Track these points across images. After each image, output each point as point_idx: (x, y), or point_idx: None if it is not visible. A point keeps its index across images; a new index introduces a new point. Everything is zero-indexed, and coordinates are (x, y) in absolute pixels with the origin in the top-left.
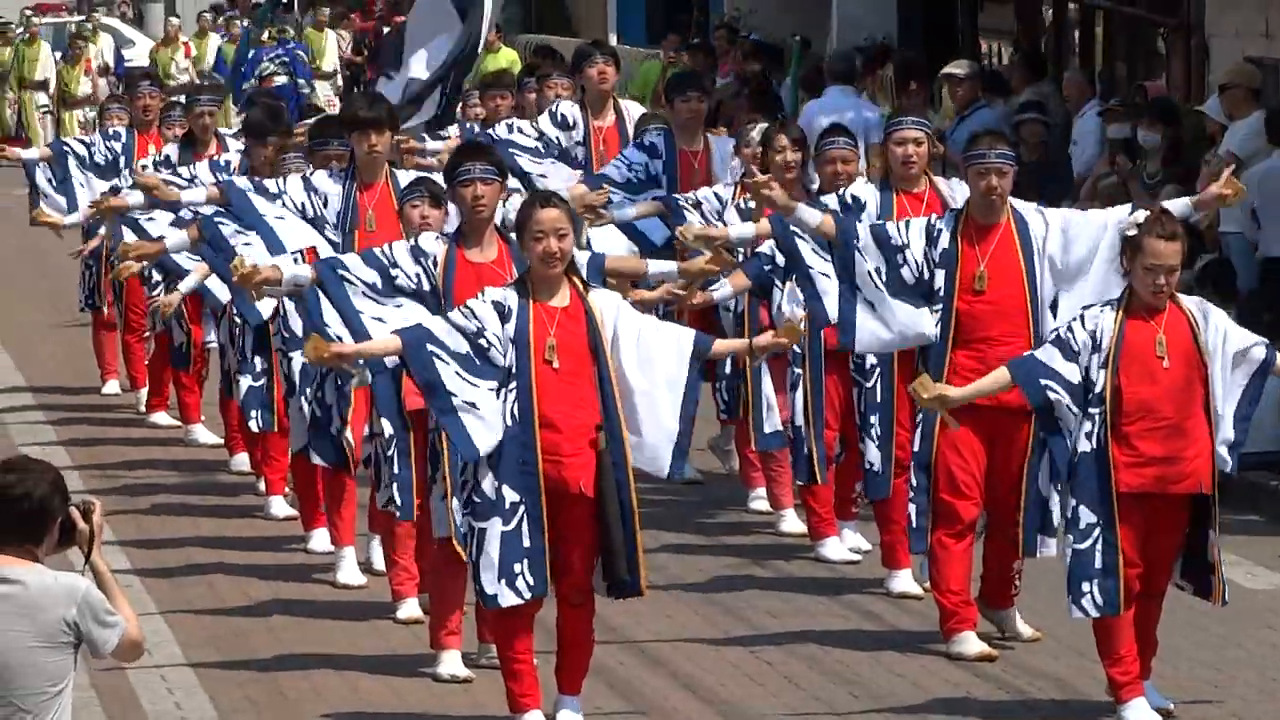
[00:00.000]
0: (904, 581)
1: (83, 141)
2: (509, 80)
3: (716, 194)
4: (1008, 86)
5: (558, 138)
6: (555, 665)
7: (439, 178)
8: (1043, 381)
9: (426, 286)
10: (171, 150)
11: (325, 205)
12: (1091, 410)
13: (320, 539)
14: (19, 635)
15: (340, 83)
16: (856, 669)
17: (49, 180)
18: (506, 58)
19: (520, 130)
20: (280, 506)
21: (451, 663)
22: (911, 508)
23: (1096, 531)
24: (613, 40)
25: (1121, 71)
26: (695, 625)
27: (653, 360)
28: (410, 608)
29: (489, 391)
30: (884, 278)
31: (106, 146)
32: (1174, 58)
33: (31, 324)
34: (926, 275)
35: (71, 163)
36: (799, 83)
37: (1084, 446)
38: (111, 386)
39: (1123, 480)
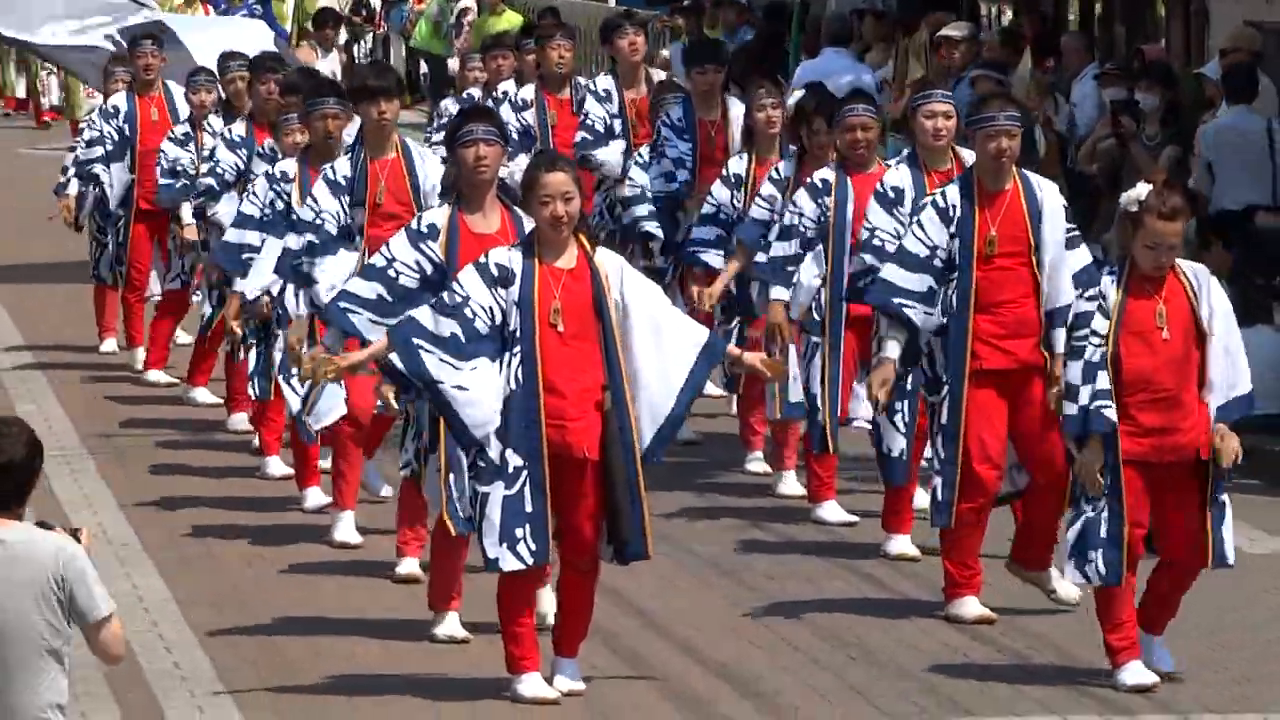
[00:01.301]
0: (901, 544)
1: (96, 140)
2: (510, 41)
3: (733, 176)
4: (1059, 47)
5: (604, 115)
6: (554, 628)
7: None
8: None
9: (429, 269)
10: (216, 121)
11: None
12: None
13: (314, 496)
14: (9, 590)
15: (341, 39)
16: (855, 631)
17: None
18: (510, 20)
19: (589, 113)
20: (276, 466)
21: (449, 624)
22: (938, 480)
23: (1103, 500)
24: (612, 1)
25: (1120, 34)
26: (693, 587)
27: (662, 333)
28: (409, 565)
29: (472, 371)
30: (938, 285)
31: (113, 128)
32: (1173, 21)
33: (31, 283)
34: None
35: (99, 171)
36: (800, 46)
37: None
38: (109, 345)
39: (1122, 448)
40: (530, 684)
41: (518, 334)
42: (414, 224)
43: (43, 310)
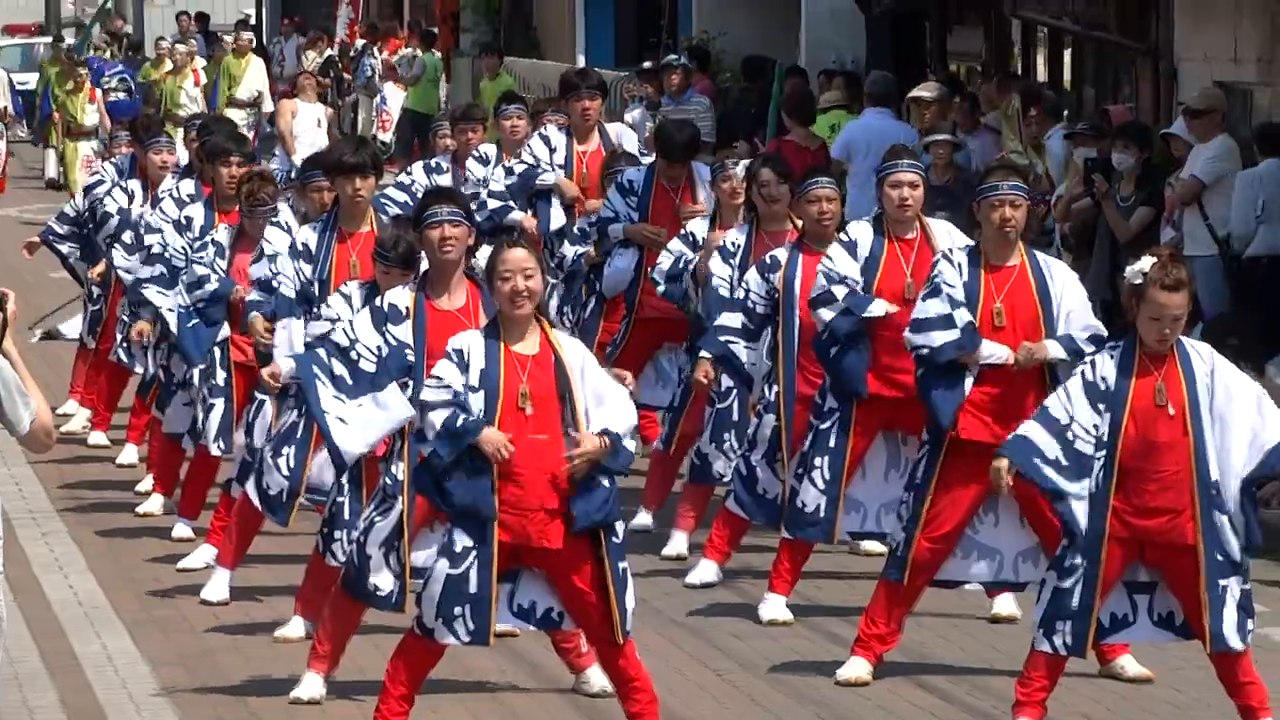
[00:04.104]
0: (775, 608)
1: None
2: (480, 114)
3: (690, 235)
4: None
5: (546, 158)
6: (627, 711)
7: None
8: (1035, 460)
9: (386, 353)
10: (171, 184)
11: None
12: (1095, 455)
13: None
14: None
15: (266, 108)
16: (821, 691)
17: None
18: (504, 84)
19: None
20: (182, 529)
21: (311, 685)
22: (901, 535)
23: (1080, 573)
24: (580, 62)
25: (1089, 95)
26: (660, 646)
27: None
28: (294, 627)
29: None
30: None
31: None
32: (1142, 81)
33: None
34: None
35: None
36: (780, 106)
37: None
38: (69, 406)
39: (1114, 525)
40: None
41: (479, 418)
42: (378, 302)
43: None
